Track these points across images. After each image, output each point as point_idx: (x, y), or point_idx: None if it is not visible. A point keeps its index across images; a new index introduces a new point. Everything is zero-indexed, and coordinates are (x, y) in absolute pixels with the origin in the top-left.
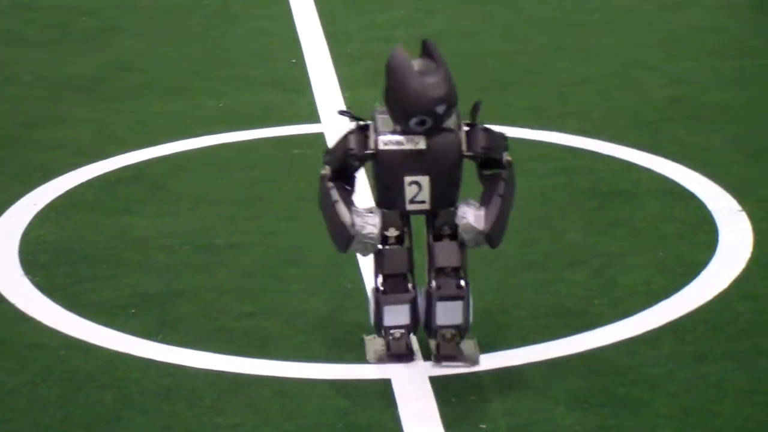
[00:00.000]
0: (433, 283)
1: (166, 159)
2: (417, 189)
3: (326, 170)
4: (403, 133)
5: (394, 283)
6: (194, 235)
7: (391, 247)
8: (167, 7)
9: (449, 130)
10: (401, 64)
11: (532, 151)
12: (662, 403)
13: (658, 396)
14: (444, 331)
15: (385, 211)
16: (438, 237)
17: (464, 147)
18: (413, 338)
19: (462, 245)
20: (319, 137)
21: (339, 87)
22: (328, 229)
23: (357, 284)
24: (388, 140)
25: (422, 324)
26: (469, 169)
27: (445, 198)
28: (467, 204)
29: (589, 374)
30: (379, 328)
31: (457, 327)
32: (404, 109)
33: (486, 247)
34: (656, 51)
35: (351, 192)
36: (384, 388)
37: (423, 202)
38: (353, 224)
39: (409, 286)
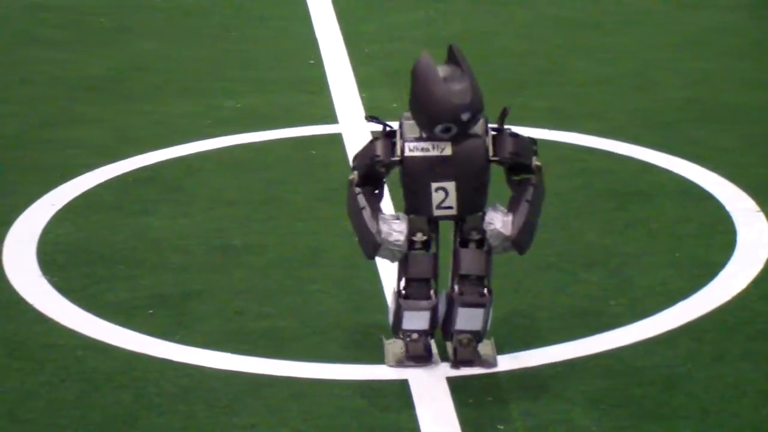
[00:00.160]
0: (456, 288)
1: (184, 160)
2: (444, 195)
3: (354, 175)
4: (429, 139)
5: (417, 288)
6: (211, 235)
7: (417, 251)
8: (184, 7)
9: (476, 136)
10: (426, 71)
11: (550, 152)
12: (680, 404)
13: (675, 397)
14: (461, 336)
15: (412, 216)
16: (465, 242)
17: (491, 152)
18: (432, 341)
19: (489, 252)
20: (337, 138)
21: (356, 87)
22: (356, 235)
23: (374, 285)
24: (414, 146)
25: (439, 325)
26: (498, 173)
27: (472, 203)
28: (495, 209)
29: (607, 375)
30: (397, 330)
31: (474, 332)
32: (429, 116)
33: (514, 253)
34: (674, 51)
35: (379, 196)
36: (401, 389)
37: (450, 207)
38: (379, 231)
39: (431, 292)
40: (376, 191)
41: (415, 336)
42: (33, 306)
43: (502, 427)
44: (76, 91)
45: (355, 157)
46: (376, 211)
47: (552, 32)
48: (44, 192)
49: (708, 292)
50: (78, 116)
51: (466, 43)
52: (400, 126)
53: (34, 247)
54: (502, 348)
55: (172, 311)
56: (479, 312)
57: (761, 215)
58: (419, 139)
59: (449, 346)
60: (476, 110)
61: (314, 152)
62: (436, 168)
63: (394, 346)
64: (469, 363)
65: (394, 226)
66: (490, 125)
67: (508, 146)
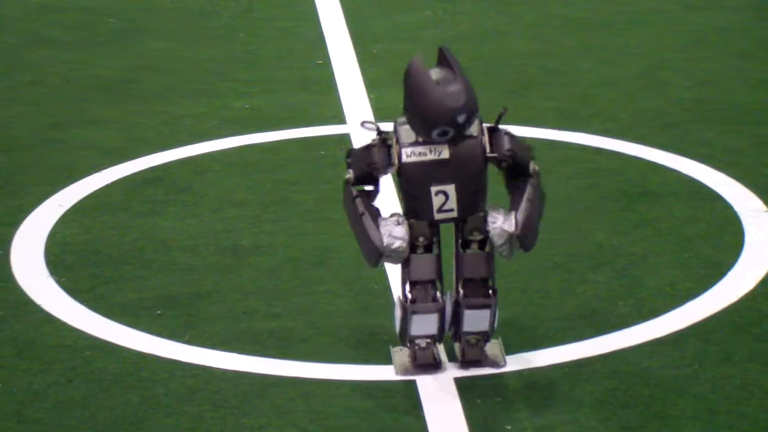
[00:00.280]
0: (461, 291)
1: (192, 160)
2: (444, 198)
3: (350, 174)
4: (425, 143)
5: (422, 291)
6: (219, 236)
7: (419, 254)
8: (193, 8)
9: (472, 137)
10: (419, 76)
11: (558, 153)
12: (687, 405)
13: (682, 397)
14: (469, 337)
15: (412, 221)
16: (467, 244)
17: (488, 150)
18: (440, 347)
19: (490, 254)
20: (345, 138)
21: (364, 88)
22: (357, 242)
23: (382, 286)
24: (411, 152)
25: (447, 331)
26: (496, 178)
27: (472, 204)
28: (496, 209)
29: (614, 375)
30: (405, 337)
31: (482, 333)
32: (425, 121)
33: (519, 252)
34: (682, 52)
35: (376, 193)
36: (409, 389)
37: (451, 210)
38: (381, 239)
39: (438, 294)
40: (373, 188)
41: (423, 344)
42: (41, 306)
43: (509, 428)
44: (86, 92)
45: (350, 156)
46: (375, 215)
47: (560, 32)
48: (52, 193)
49: (716, 292)
50: (88, 117)
51: (474, 43)
52: (396, 131)
53: (42, 247)
54: (510, 348)
55: (180, 312)
56: (485, 313)
57: None
58: (416, 143)
59: (457, 346)
60: (471, 111)
61: (323, 153)
62: (434, 172)
63: (401, 355)
64: (476, 363)
65: (395, 232)
66: (485, 125)
67: (505, 143)
